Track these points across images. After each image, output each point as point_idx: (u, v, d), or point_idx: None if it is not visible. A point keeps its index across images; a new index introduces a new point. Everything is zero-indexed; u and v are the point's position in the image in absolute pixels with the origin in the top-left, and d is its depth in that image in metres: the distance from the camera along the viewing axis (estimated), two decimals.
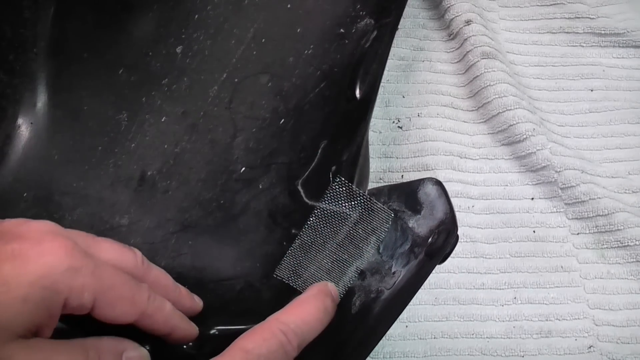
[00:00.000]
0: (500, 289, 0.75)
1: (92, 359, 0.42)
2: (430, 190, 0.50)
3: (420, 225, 0.49)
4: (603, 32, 0.89)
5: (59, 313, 0.42)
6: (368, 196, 0.52)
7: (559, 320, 0.74)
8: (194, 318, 0.54)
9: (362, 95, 0.59)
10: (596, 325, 0.73)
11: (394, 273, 0.49)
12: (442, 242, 0.48)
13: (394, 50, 0.88)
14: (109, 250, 0.48)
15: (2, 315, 0.38)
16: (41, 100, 0.62)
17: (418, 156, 0.81)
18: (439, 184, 0.50)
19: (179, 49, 0.63)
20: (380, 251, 0.51)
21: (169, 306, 0.49)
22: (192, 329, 0.51)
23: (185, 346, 0.54)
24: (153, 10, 0.65)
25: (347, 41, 0.60)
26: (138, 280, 0.47)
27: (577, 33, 0.90)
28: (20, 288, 0.39)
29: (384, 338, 0.50)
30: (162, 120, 0.61)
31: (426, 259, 0.48)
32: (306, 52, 0.61)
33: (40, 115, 0.62)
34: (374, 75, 0.59)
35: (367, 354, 0.48)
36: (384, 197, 0.52)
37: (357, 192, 0.52)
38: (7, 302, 0.38)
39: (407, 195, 0.51)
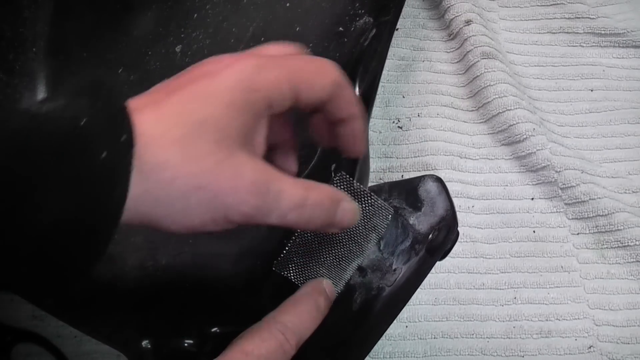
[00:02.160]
0: (500, 289, 0.76)
1: (312, 197, 0.44)
2: (430, 187, 0.50)
3: (420, 222, 0.49)
4: (603, 32, 0.90)
5: (265, 113, 0.44)
6: (369, 192, 0.52)
7: (559, 320, 0.74)
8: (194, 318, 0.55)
9: (362, 93, 0.59)
10: (596, 325, 0.73)
11: (394, 270, 0.49)
12: (442, 238, 0.48)
13: (394, 50, 0.89)
14: None
15: (220, 123, 0.40)
16: (41, 99, 0.62)
17: (418, 156, 0.82)
18: (439, 180, 0.50)
19: (178, 48, 0.64)
20: (381, 248, 0.51)
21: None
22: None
23: (186, 343, 0.54)
24: (152, 10, 0.65)
25: (346, 39, 0.61)
26: None
27: (577, 33, 0.91)
28: (224, 94, 0.41)
29: (384, 338, 0.50)
30: None
31: (427, 255, 0.48)
32: (305, 50, 0.61)
33: None
34: (373, 73, 0.59)
35: (369, 351, 0.49)
36: (385, 195, 0.52)
37: (358, 187, 0.52)
38: (218, 110, 0.41)
39: (408, 192, 0.51)
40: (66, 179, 0.34)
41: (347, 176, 0.53)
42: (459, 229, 0.50)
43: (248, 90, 0.42)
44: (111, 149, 0.36)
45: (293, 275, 0.53)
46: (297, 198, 0.43)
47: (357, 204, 0.49)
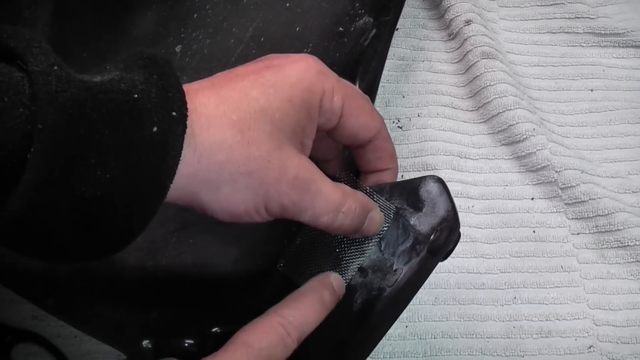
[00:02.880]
0: (500, 289, 0.76)
1: (348, 205, 0.47)
2: (431, 187, 0.50)
3: (421, 222, 0.50)
4: (603, 32, 0.90)
5: (317, 117, 0.46)
6: (371, 191, 0.52)
7: (559, 320, 0.74)
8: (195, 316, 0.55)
9: (362, 92, 0.59)
10: (596, 325, 0.74)
11: (395, 270, 0.49)
12: (444, 239, 0.49)
13: (394, 50, 0.89)
14: None
15: (276, 115, 0.43)
16: None
17: (418, 156, 0.82)
18: (440, 181, 0.50)
19: (178, 48, 0.64)
20: (382, 249, 0.51)
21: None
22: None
23: (186, 343, 0.54)
24: (152, 10, 0.65)
25: (346, 39, 0.61)
26: None
27: (577, 33, 0.91)
28: (284, 89, 0.43)
29: (384, 338, 0.50)
30: None
31: (428, 256, 0.48)
32: (305, 50, 0.61)
33: None
34: (373, 73, 0.60)
35: (369, 352, 0.49)
36: (386, 195, 0.52)
37: (362, 186, 0.53)
38: (277, 103, 0.43)
39: (409, 192, 0.51)
40: (117, 149, 0.36)
41: (352, 175, 0.53)
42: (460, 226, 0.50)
43: (307, 90, 0.44)
44: (162, 123, 0.37)
45: (294, 276, 0.53)
46: (333, 203, 0.46)
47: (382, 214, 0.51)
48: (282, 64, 0.45)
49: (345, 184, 0.52)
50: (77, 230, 0.36)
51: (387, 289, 0.49)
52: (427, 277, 0.50)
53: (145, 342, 0.54)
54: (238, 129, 0.41)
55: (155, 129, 0.37)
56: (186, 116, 0.38)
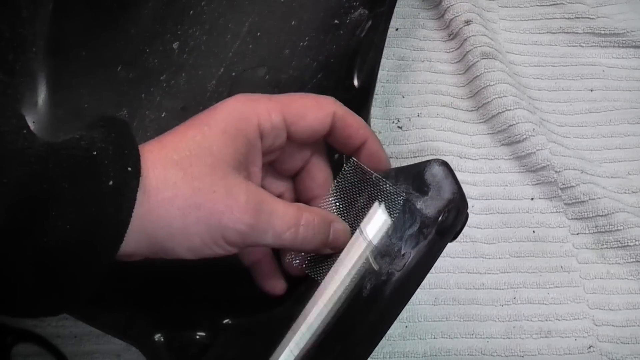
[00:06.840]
0: (500, 289, 0.78)
1: (305, 218, 0.49)
2: (436, 171, 0.51)
3: (428, 206, 0.50)
4: (603, 32, 0.92)
5: (258, 142, 0.50)
6: (380, 177, 0.53)
7: (559, 320, 0.76)
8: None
9: (361, 83, 0.61)
10: (596, 325, 0.75)
11: (403, 255, 0.50)
12: (452, 220, 0.49)
13: (394, 50, 0.91)
14: None
15: (213, 147, 0.46)
16: (42, 99, 0.64)
17: (418, 156, 0.84)
18: (445, 164, 0.51)
19: (175, 45, 0.65)
20: (389, 233, 0.52)
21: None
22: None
23: (198, 336, 0.56)
24: (148, 8, 0.67)
25: (342, 32, 0.62)
26: None
27: (577, 33, 0.93)
28: (217, 123, 0.47)
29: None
30: (162, 115, 0.63)
31: (436, 238, 0.49)
32: (302, 44, 0.63)
33: (41, 114, 0.64)
34: (371, 64, 0.61)
35: (380, 338, 0.50)
36: (391, 180, 0.53)
37: (369, 173, 0.54)
38: (212, 136, 0.46)
39: (414, 177, 0.52)
40: (76, 201, 0.39)
41: (358, 162, 0.55)
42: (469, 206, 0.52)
43: (239, 119, 0.48)
44: (118, 178, 0.41)
45: (305, 264, 0.55)
46: (290, 218, 0.48)
47: (347, 224, 0.54)
48: (215, 106, 0.48)
49: (350, 171, 0.54)
50: (39, 279, 0.39)
51: (396, 273, 0.49)
52: (436, 259, 0.50)
53: (157, 336, 0.56)
54: (180, 167, 0.44)
55: (111, 182, 0.40)
56: (140, 171, 0.42)
